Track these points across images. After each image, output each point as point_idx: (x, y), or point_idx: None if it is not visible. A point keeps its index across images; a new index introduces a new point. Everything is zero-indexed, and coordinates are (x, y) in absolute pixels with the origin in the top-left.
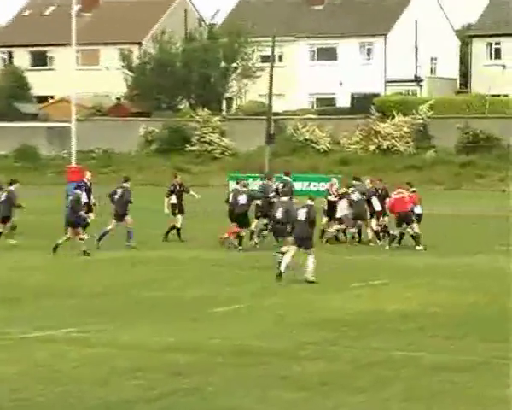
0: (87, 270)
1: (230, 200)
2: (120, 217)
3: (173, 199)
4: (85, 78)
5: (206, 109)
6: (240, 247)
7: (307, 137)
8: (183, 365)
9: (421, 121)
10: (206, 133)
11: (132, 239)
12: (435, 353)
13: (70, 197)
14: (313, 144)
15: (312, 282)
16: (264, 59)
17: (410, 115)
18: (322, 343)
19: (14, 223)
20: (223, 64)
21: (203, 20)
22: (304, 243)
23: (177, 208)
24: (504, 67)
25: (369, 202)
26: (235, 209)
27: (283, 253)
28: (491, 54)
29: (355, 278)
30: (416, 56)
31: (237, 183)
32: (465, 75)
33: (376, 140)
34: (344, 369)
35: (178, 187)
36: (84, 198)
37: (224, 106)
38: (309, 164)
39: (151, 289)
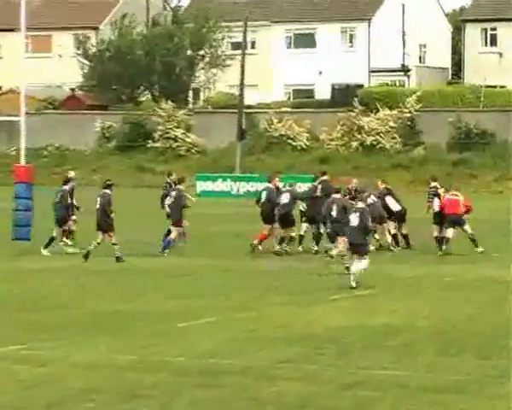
0: (43, 280)
1: (263, 199)
2: (177, 223)
3: (169, 201)
4: (36, 67)
5: (170, 102)
6: (299, 247)
7: (283, 132)
8: (146, 385)
9: (408, 115)
10: (170, 128)
11: (167, 249)
12: (424, 371)
13: (99, 199)
14: (289, 141)
15: (354, 288)
16: (235, 46)
17: (397, 108)
18: (300, 361)
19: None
20: (189, 52)
21: (167, 3)
22: (358, 248)
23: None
24: (501, 55)
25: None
26: (274, 210)
27: (332, 256)
28: (486, 40)
29: (336, 288)
30: (404, 43)
31: (269, 181)
32: (457, 64)
33: (359, 136)
34: (323, 390)
35: (174, 186)
36: (68, 200)
37: (190, 98)
38: (285, 163)
39: (111, 302)
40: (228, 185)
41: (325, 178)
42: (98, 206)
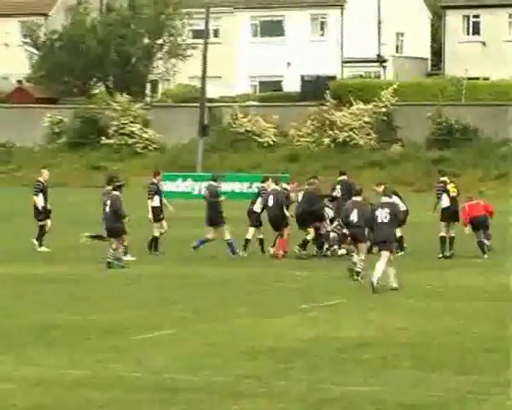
0: None
1: (270, 203)
2: (215, 224)
3: (156, 201)
4: None
5: (125, 95)
6: (304, 252)
7: (248, 128)
8: (99, 403)
9: (384, 109)
10: (125, 124)
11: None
12: (400, 388)
13: (108, 202)
14: (256, 137)
15: (396, 289)
16: (197, 34)
17: (372, 102)
18: (266, 377)
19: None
20: (146, 40)
21: None
22: (387, 245)
23: (162, 212)
24: (484, 44)
25: None
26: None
27: (355, 263)
28: (468, 28)
29: (306, 297)
30: (379, 32)
31: (276, 182)
32: (437, 54)
33: (331, 132)
34: (292, 408)
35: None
36: (40, 202)
37: (147, 91)
38: (250, 161)
39: (59, 313)
40: (188, 185)
41: (344, 177)
42: (108, 209)
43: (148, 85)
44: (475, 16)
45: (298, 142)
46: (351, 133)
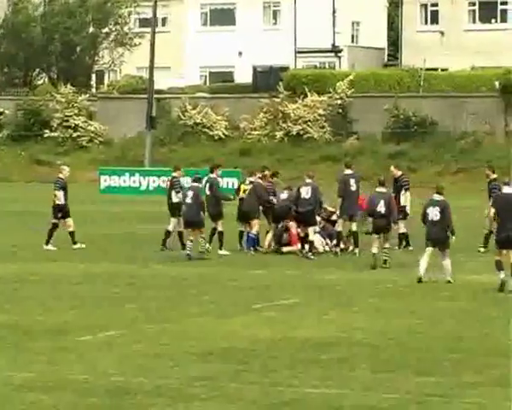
0: None
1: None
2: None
3: (174, 197)
4: None
5: (70, 86)
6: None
7: (198, 120)
8: (46, 406)
9: (339, 102)
10: (70, 116)
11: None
12: (358, 389)
13: (190, 192)
14: (206, 130)
15: (450, 282)
16: (144, 23)
17: (327, 94)
18: (219, 379)
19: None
20: (91, 29)
21: None
22: (441, 243)
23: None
24: (442, 33)
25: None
26: (298, 208)
27: (375, 254)
28: (426, 18)
29: (260, 296)
30: (334, 21)
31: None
32: (394, 44)
33: (284, 125)
34: None
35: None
36: (61, 199)
37: (93, 82)
38: (201, 154)
39: (4, 312)
40: (136, 181)
41: (350, 171)
42: (190, 200)
43: (94, 76)
44: (433, 4)
45: (250, 135)
46: (305, 126)
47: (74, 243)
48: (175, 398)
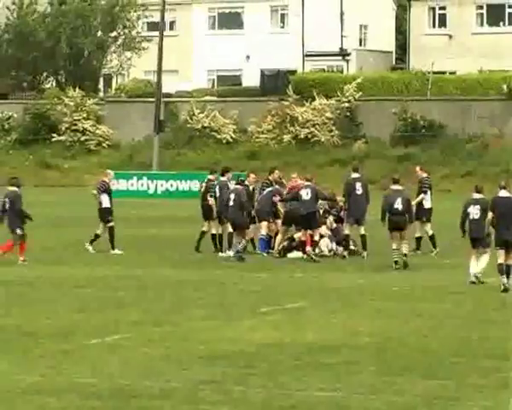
0: None
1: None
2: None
3: (210, 200)
4: None
5: (78, 90)
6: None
7: (206, 124)
8: (54, 409)
9: (347, 105)
10: (78, 120)
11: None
12: (365, 393)
13: (232, 195)
14: (214, 133)
15: (480, 281)
16: (152, 27)
17: (335, 98)
18: (225, 382)
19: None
20: (100, 33)
21: None
22: (480, 242)
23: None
24: (450, 37)
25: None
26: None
27: (397, 249)
28: (434, 21)
29: (266, 300)
30: (342, 24)
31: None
32: (402, 47)
33: (292, 128)
34: None
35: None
36: (105, 202)
37: (101, 86)
38: (208, 158)
39: (8, 316)
40: (144, 184)
41: (357, 175)
42: (232, 202)
43: (102, 80)
44: (441, 8)
45: (257, 138)
46: (312, 130)
47: (91, 243)
48: (181, 401)
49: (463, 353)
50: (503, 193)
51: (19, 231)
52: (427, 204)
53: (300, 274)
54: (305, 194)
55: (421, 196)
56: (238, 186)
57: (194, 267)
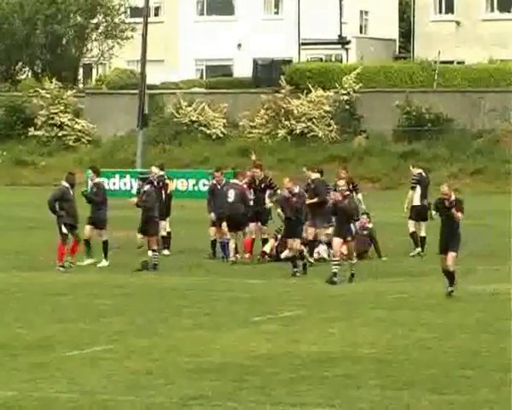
0: None
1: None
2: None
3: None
4: None
5: (55, 81)
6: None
7: (194, 118)
8: None
9: (347, 97)
10: (55, 113)
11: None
12: (366, 408)
13: (231, 192)
14: (202, 128)
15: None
16: (136, 13)
17: (333, 89)
18: (215, 397)
19: None
20: (79, 19)
21: None
22: None
23: None
24: (458, 23)
25: None
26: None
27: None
28: (440, 6)
29: (258, 308)
30: (341, 10)
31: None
32: (406, 35)
33: (287, 122)
34: None
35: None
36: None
37: (80, 76)
38: (197, 155)
39: None
40: (127, 183)
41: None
42: (231, 200)
43: (81, 70)
44: None
45: (250, 133)
46: (309, 124)
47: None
48: None
49: (472, 365)
50: None
51: None
52: (415, 201)
53: (296, 281)
54: (230, 195)
55: (411, 192)
56: (236, 181)
57: (180, 274)
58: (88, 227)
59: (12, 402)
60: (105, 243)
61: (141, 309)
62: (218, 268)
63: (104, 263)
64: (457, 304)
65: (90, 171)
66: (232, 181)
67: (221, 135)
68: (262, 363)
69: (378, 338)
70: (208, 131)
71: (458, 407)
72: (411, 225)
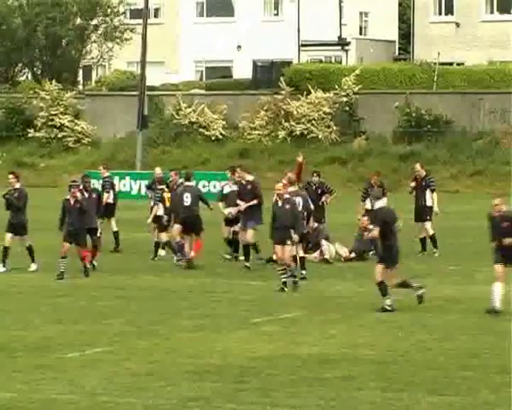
0: None
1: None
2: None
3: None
4: None
5: (55, 82)
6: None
7: (194, 119)
8: None
9: (346, 99)
10: (55, 115)
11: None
12: None
13: (187, 195)
14: (202, 130)
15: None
16: (136, 14)
17: (333, 91)
18: (215, 399)
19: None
20: (79, 21)
21: None
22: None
23: None
24: (458, 25)
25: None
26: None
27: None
28: (440, 7)
29: (258, 309)
30: (341, 11)
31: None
32: (406, 36)
33: (287, 124)
34: None
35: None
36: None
37: (80, 78)
38: (196, 156)
39: None
40: (127, 184)
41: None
42: (187, 203)
43: (81, 72)
44: None
45: (249, 135)
46: (309, 125)
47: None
48: None
49: (472, 367)
50: None
51: None
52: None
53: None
54: (185, 198)
55: (435, 195)
56: (190, 183)
57: (180, 275)
58: (9, 235)
59: (12, 404)
60: (29, 248)
61: (141, 311)
62: (219, 269)
63: (33, 267)
64: (457, 306)
65: (10, 175)
66: (232, 182)
67: (220, 137)
68: (262, 364)
69: (378, 340)
70: (208, 133)
71: (458, 408)
72: (430, 227)
